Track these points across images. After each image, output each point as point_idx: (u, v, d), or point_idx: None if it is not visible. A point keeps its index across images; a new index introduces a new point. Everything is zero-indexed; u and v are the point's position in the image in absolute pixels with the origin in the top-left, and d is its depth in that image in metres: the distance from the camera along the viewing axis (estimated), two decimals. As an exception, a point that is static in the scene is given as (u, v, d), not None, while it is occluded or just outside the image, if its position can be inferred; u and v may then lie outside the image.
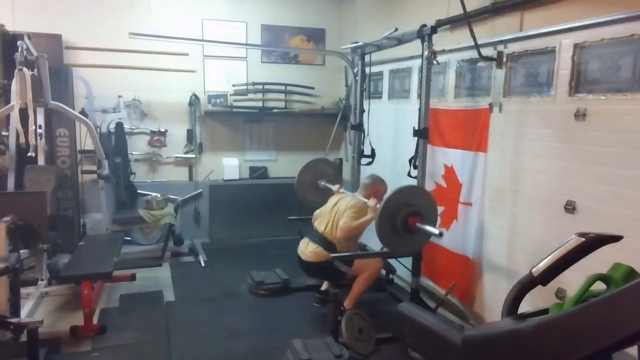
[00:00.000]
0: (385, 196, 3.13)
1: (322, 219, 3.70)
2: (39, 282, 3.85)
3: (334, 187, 4.03)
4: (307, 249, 3.60)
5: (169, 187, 5.35)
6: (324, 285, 3.90)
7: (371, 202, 3.45)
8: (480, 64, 3.40)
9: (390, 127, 4.53)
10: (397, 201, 3.04)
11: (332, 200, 3.80)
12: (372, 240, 4.67)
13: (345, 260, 3.50)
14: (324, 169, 4.48)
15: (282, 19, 5.70)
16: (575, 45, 2.65)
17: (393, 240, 3.09)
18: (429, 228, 2.94)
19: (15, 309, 2.90)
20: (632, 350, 1.19)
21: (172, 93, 5.32)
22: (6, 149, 4.01)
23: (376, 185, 3.72)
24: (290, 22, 5.74)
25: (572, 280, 1.78)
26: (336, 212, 3.60)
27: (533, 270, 1.47)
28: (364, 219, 3.45)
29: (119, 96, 4.98)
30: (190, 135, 5.47)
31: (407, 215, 3.02)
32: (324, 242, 3.55)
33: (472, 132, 3.44)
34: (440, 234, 2.89)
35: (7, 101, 3.87)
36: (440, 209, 3.79)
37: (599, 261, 1.64)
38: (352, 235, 3.55)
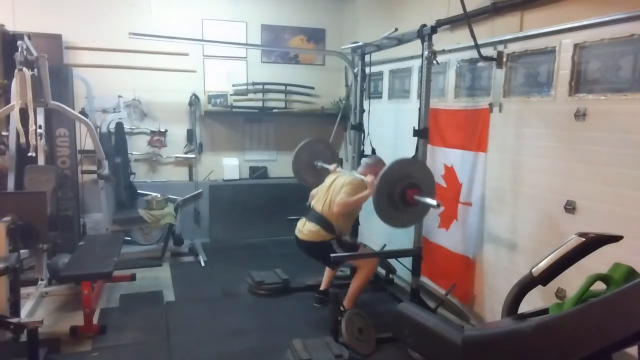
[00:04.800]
0: (383, 169, 3.08)
1: (319, 197, 3.67)
2: (39, 282, 3.85)
3: (331, 167, 3.98)
4: (305, 227, 3.57)
5: (169, 187, 5.35)
6: (324, 285, 3.90)
7: (369, 177, 3.41)
8: (480, 64, 3.40)
9: (390, 127, 4.53)
10: (394, 174, 3.01)
11: (329, 179, 3.76)
12: (372, 240, 4.67)
13: (345, 247, 3.49)
14: (322, 149, 4.41)
15: (282, 19, 5.70)
16: (575, 45, 2.65)
17: (391, 213, 3.06)
18: (427, 200, 2.92)
19: (15, 309, 2.90)
20: (632, 350, 1.20)
21: (172, 93, 5.32)
22: (6, 149, 4.01)
23: (377, 166, 3.65)
24: (290, 22, 5.74)
25: (572, 280, 1.78)
26: (333, 190, 3.56)
27: (533, 270, 1.48)
28: (362, 194, 3.41)
29: (119, 96, 4.98)
30: (190, 135, 5.47)
31: (405, 187, 2.99)
32: (322, 220, 3.52)
33: (472, 132, 3.44)
34: (438, 205, 2.87)
35: (7, 101, 3.87)
36: (440, 209, 3.79)
37: (599, 261, 1.65)
38: (348, 211, 3.50)
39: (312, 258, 3.81)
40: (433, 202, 2.88)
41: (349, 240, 3.70)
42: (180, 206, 5.28)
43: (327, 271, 3.88)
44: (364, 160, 3.87)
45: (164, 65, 5.18)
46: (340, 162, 5.18)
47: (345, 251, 3.50)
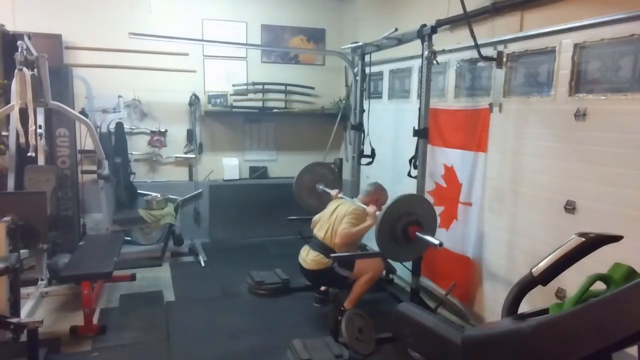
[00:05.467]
0: (386, 205, 3.13)
1: (321, 225, 3.70)
2: (39, 282, 3.85)
3: (333, 192, 4.03)
4: (308, 257, 3.59)
5: (169, 187, 5.35)
6: (324, 286, 3.90)
7: (370, 208, 3.46)
8: (480, 64, 3.40)
9: (390, 127, 4.54)
10: (397, 210, 3.04)
11: (331, 205, 3.80)
12: (371, 240, 4.67)
13: (346, 265, 3.50)
14: (324, 173, 4.46)
15: (282, 19, 5.70)
16: (575, 45, 2.65)
17: (392, 247, 3.09)
18: (428, 238, 2.93)
19: (15, 309, 2.90)
20: (632, 350, 1.19)
21: (172, 93, 5.32)
22: (6, 149, 4.01)
23: (378, 194, 3.72)
24: (290, 22, 5.74)
25: (572, 280, 1.78)
26: (335, 218, 3.60)
27: (533, 270, 1.47)
28: (363, 226, 3.45)
29: (119, 96, 4.98)
30: (190, 135, 5.47)
31: (407, 224, 3.02)
32: (324, 249, 3.55)
33: (472, 132, 3.44)
34: (440, 245, 2.87)
35: (7, 101, 3.87)
36: (440, 209, 3.80)
37: (599, 261, 1.64)
38: (351, 242, 3.54)
39: (318, 285, 3.83)
40: (435, 241, 2.89)
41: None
42: (180, 206, 5.28)
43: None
44: (364, 188, 3.89)
45: (164, 65, 5.18)
46: (340, 163, 5.20)
47: (347, 268, 3.51)
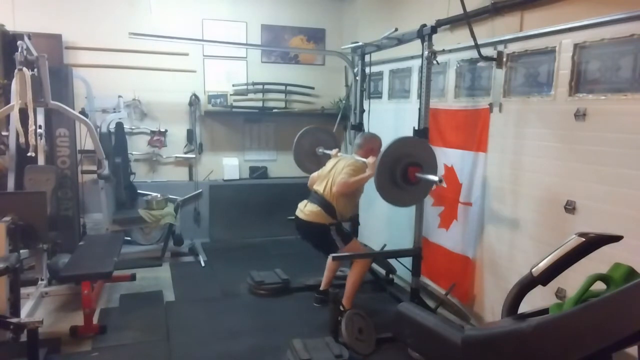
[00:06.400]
0: (383, 148, 3.10)
1: (320, 180, 3.70)
2: (39, 282, 3.85)
3: (332, 152, 4.00)
4: (306, 208, 3.60)
5: (169, 187, 5.35)
6: (323, 285, 3.90)
7: (370, 159, 3.43)
8: (480, 64, 3.40)
9: (390, 127, 4.53)
10: (395, 152, 3.02)
11: (330, 162, 3.79)
12: (372, 240, 4.68)
13: (342, 236, 3.53)
14: (323, 136, 4.41)
15: (282, 19, 5.70)
16: (575, 45, 2.65)
17: (392, 191, 3.08)
18: (429, 177, 2.92)
19: (15, 309, 2.90)
20: (632, 350, 1.20)
21: (172, 93, 5.32)
22: (6, 149, 4.01)
23: (370, 142, 3.71)
24: (290, 22, 5.74)
25: (572, 280, 1.78)
26: (334, 173, 3.60)
27: (533, 270, 1.47)
28: (362, 176, 3.44)
29: (119, 96, 4.98)
30: (190, 135, 5.47)
31: (407, 165, 3.00)
32: (323, 202, 3.54)
33: (472, 132, 3.44)
34: (440, 181, 2.87)
35: (7, 101, 3.87)
36: (440, 209, 3.80)
37: (599, 261, 1.64)
38: (349, 191, 3.52)
39: (309, 242, 3.81)
40: (435, 178, 2.88)
41: (347, 229, 3.74)
42: (180, 206, 5.28)
43: (327, 271, 3.88)
44: (355, 142, 3.85)
45: (164, 65, 5.18)
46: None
47: (342, 239, 3.53)
